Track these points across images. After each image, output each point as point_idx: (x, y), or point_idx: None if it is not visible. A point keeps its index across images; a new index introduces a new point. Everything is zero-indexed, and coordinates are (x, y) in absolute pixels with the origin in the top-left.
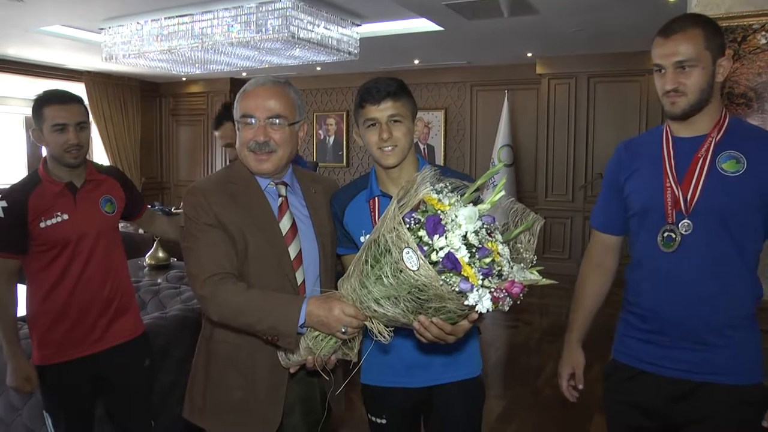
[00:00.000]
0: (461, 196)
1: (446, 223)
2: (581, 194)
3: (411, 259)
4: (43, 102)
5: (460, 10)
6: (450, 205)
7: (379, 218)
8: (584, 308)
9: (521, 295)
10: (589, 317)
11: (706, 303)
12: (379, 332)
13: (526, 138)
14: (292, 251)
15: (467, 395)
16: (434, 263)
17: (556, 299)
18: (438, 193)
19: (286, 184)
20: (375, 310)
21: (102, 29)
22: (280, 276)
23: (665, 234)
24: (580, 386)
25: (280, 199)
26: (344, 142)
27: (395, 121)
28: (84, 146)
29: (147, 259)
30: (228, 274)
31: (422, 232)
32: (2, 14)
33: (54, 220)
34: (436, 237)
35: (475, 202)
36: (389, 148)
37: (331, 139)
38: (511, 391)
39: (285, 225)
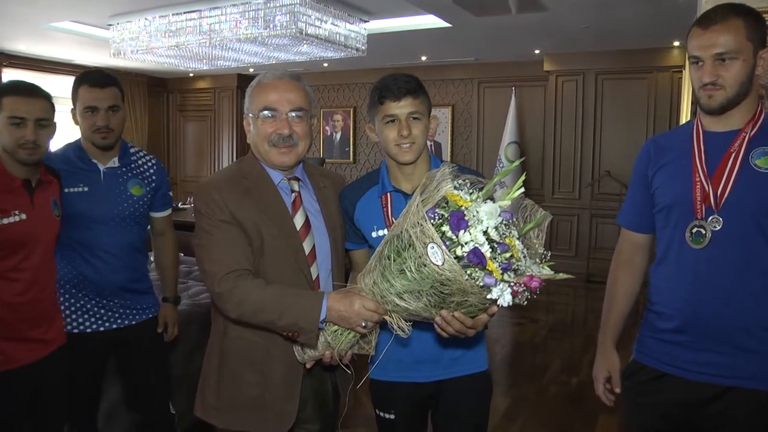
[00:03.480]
0: (479, 191)
1: (469, 218)
2: (588, 192)
3: (436, 254)
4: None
5: (468, 6)
6: (471, 201)
7: (391, 214)
8: (617, 309)
9: (538, 289)
10: (622, 318)
11: (736, 303)
12: (399, 327)
13: (533, 135)
14: (307, 246)
15: (475, 389)
16: (458, 258)
17: (563, 296)
18: (458, 189)
19: (298, 179)
20: (397, 304)
21: (110, 25)
22: (296, 271)
23: (694, 230)
24: (617, 390)
25: (293, 194)
26: (351, 139)
27: (414, 118)
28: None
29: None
30: (245, 270)
31: (445, 228)
32: (14, 10)
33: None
34: (461, 232)
35: (491, 198)
36: (407, 144)
37: (338, 136)
38: (516, 389)
39: (299, 221)
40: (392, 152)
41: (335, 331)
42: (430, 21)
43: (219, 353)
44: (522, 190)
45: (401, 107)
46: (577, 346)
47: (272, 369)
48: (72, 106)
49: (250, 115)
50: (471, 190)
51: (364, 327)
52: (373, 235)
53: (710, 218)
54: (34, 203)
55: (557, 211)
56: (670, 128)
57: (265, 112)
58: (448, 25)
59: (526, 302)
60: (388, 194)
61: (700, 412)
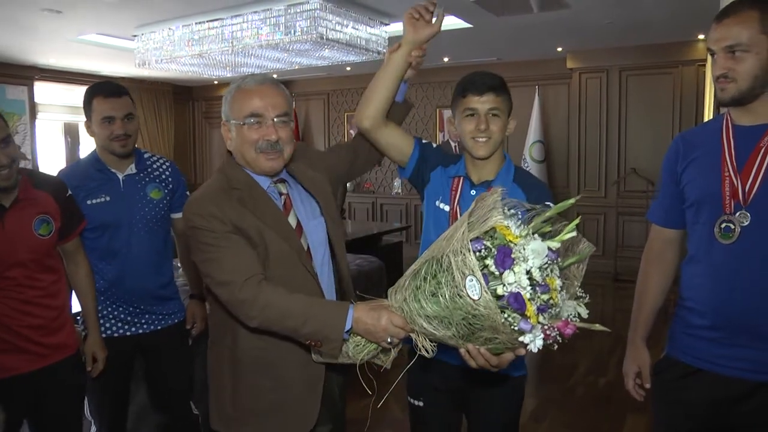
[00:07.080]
0: (527, 225)
1: (516, 256)
2: (614, 190)
3: (473, 288)
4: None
5: (489, 6)
6: (520, 236)
7: (458, 197)
8: (648, 305)
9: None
10: (652, 314)
11: (766, 298)
12: (424, 347)
13: (557, 133)
14: (303, 246)
15: (505, 391)
16: (498, 297)
17: (590, 296)
18: (508, 218)
19: (284, 181)
20: (424, 327)
21: (135, 36)
22: (303, 272)
23: (723, 225)
24: (647, 385)
25: (283, 197)
26: None
27: (494, 114)
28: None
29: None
30: (261, 275)
31: (489, 261)
32: (45, 26)
33: None
34: (506, 272)
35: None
36: (483, 139)
37: None
38: (543, 389)
39: (292, 222)
40: (468, 145)
41: (358, 342)
42: (451, 22)
43: (230, 365)
44: (574, 233)
45: (482, 102)
46: (605, 347)
47: (289, 371)
48: (85, 119)
49: (233, 121)
50: (519, 223)
51: (389, 342)
52: (436, 203)
53: (738, 213)
54: (5, 224)
55: (583, 209)
56: (696, 123)
57: (251, 119)
58: (470, 25)
59: (556, 347)
60: (461, 178)
61: (731, 411)
